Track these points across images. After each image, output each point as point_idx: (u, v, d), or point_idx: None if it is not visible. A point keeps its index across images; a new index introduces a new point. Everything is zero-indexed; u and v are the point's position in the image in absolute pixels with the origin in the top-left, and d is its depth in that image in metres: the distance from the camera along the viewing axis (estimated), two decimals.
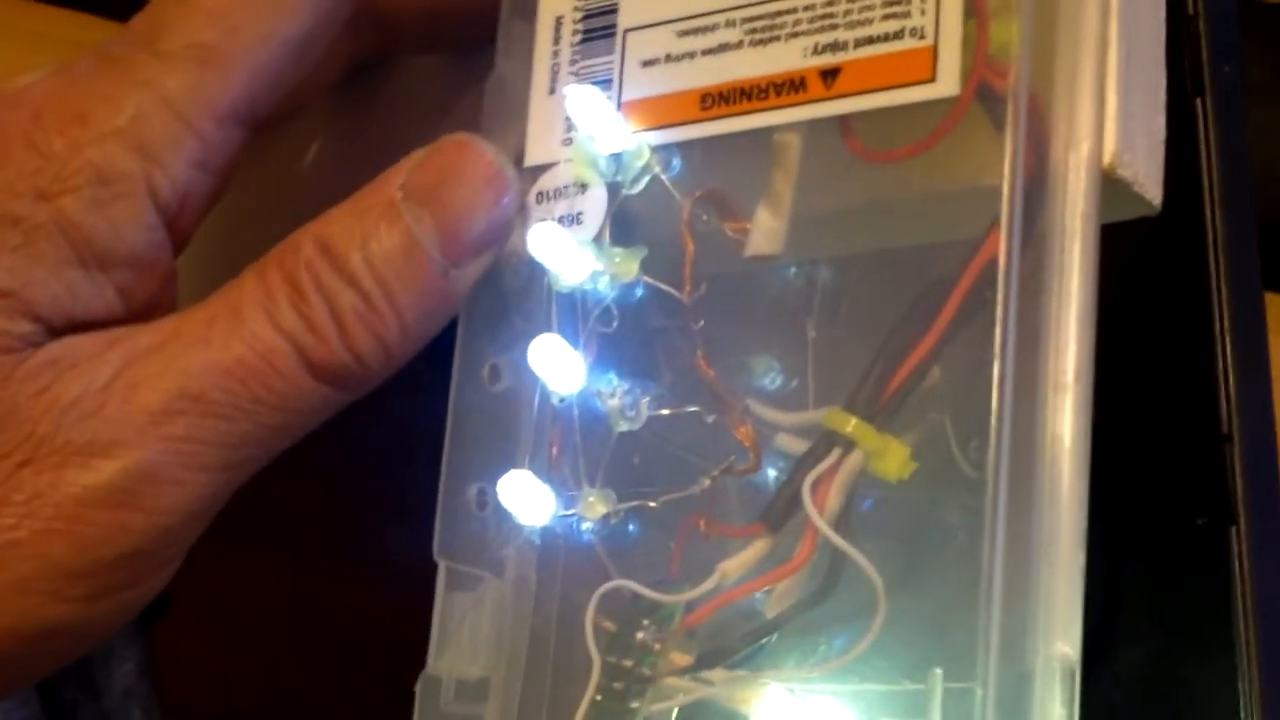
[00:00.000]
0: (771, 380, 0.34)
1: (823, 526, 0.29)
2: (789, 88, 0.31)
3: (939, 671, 0.28)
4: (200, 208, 0.34)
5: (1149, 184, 0.32)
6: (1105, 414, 0.29)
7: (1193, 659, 0.33)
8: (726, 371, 0.32)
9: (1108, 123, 0.31)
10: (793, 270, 0.34)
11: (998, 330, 0.28)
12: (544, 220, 0.32)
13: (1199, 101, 0.34)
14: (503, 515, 0.32)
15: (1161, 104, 0.32)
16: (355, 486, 0.52)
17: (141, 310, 0.33)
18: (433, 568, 0.33)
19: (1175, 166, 0.32)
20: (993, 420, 0.28)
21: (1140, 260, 0.34)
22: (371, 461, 0.51)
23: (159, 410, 0.31)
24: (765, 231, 0.31)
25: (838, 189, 0.32)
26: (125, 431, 0.31)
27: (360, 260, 0.31)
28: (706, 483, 0.31)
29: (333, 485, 0.53)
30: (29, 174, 0.32)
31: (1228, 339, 0.32)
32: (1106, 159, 0.30)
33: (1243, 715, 0.32)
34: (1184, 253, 0.34)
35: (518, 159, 0.33)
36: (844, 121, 0.30)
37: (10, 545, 0.31)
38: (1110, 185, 0.31)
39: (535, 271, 0.33)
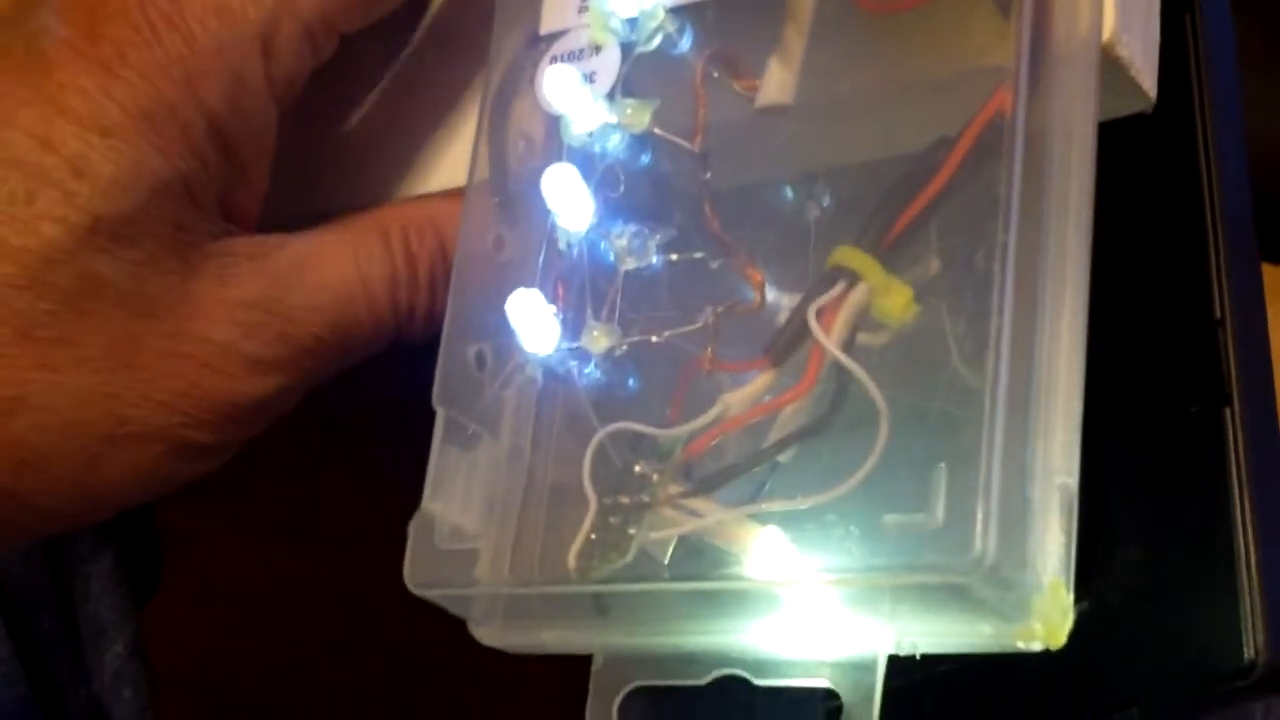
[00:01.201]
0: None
1: (826, 343, 0.29)
2: None
3: (943, 466, 0.27)
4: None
5: (1144, 72, 0.33)
6: (1096, 305, 0.30)
7: (1189, 549, 0.33)
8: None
9: (1107, 3, 0.32)
10: (789, 190, 0.35)
11: (1005, 149, 0.28)
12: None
13: (1188, 16, 0.35)
14: (503, 361, 0.33)
15: (1156, 7, 0.34)
16: (347, 467, 0.52)
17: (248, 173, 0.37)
18: None
19: (1165, 76, 0.33)
20: (999, 247, 0.28)
21: (1133, 158, 0.34)
22: (365, 441, 0.51)
23: (308, 345, 0.36)
24: (776, 82, 0.32)
25: (846, 54, 0.33)
26: (281, 354, 0.36)
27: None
28: (710, 318, 0.31)
29: (325, 465, 0.52)
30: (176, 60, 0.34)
31: (1218, 224, 0.33)
32: (1106, 35, 0.31)
33: (1241, 601, 0.32)
34: (1175, 148, 0.35)
35: (534, 27, 0.34)
36: None
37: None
38: (1109, 66, 0.32)
39: (544, 152, 0.34)
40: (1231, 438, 0.33)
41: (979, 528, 0.26)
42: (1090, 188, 0.30)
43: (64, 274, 0.33)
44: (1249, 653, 0.32)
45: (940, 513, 0.27)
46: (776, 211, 0.35)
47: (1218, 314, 0.33)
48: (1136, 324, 0.35)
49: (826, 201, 0.34)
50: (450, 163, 0.39)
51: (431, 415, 0.33)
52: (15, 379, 0.33)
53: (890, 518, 0.28)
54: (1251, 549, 0.32)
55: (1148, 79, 0.33)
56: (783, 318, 0.32)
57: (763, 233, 0.34)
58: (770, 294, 0.33)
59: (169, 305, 0.34)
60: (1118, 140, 0.32)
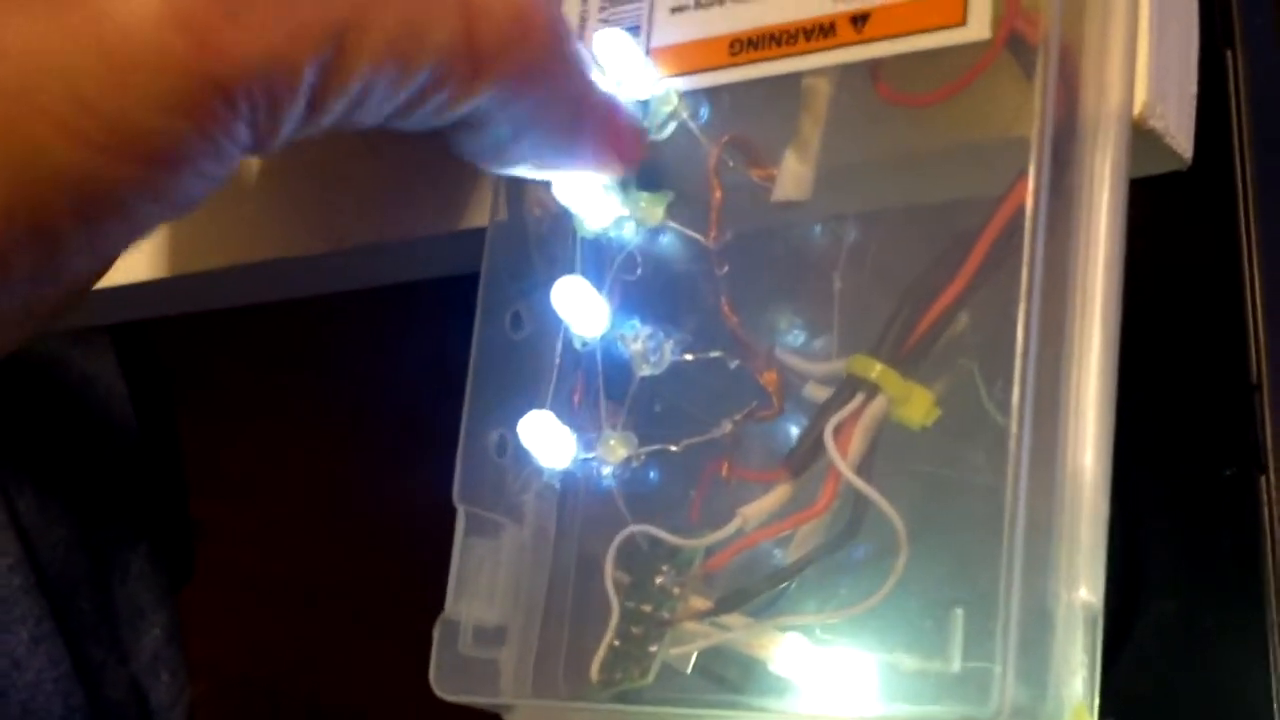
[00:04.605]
0: (795, 336, 0.33)
1: (844, 469, 0.29)
2: (818, 33, 0.30)
3: (960, 612, 0.27)
4: None
5: (1180, 136, 0.31)
6: (1133, 365, 0.29)
7: (1221, 609, 0.33)
8: (752, 325, 0.32)
9: (1139, 73, 0.30)
10: (818, 229, 0.34)
11: (1024, 271, 0.27)
12: None
13: (1229, 53, 0.34)
14: (523, 461, 0.32)
15: (1194, 56, 0.32)
16: (374, 450, 0.52)
17: None
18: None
19: (1204, 118, 0.32)
20: (1017, 361, 0.27)
21: (1169, 211, 0.33)
22: (389, 426, 0.51)
23: None
24: (793, 176, 0.31)
25: (867, 138, 0.31)
26: None
27: None
28: (729, 427, 0.31)
29: (351, 452, 0.53)
30: None
31: (1257, 287, 0.32)
32: (1137, 109, 0.30)
33: (1271, 663, 0.32)
34: (1213, 203, 0.33)
35: None
36: (874, 67, 0.30)
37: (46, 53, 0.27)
38: (1141, 136, 0.30)
39: (560, 219, 0.33)
40: (1265, 504, 0.32)
41: (997, 676, 0.26)
42: (1119, 271, 0.29)
43: None
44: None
45: (957, 662, 0.27)
46: (800, 254, 0.34)
47: (1254, 379, 0.32)
48: (1174, 384, 0.34)
49: (853, 238, 0.34)
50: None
51: (446, 406, 0.33)
52: None
53: (908, 662, 0.28)
54: None
55: (1184, 142, 0.31)
56: (808, 391, 0.32)
57: (783, 276, 0.33)
58: (790, 359, 0.32)
59: None
60: (1152, 198, 0.31)
